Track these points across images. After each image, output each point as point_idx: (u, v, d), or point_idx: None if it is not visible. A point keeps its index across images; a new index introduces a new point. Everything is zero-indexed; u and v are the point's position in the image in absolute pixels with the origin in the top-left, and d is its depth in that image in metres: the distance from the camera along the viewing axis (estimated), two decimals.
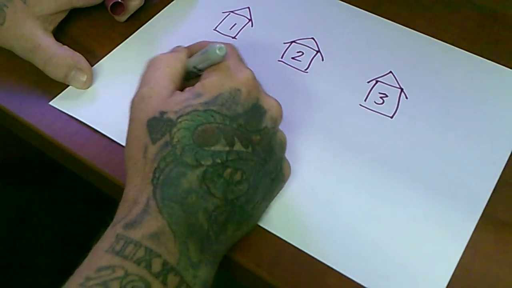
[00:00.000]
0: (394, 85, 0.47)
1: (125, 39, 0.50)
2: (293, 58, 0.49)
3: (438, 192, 0.40)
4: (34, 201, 0.57)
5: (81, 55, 0.47)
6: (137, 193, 0.33)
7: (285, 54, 0.49)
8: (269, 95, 0.37)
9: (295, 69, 0.48)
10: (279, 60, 0.49)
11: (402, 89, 0.47)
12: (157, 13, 0.53)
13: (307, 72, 0.48)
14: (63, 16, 0.49)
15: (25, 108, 0.45)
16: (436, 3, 0.54)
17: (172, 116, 0.33)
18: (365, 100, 0.46)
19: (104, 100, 0.46)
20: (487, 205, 0.40)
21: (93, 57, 0.49)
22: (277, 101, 0.37)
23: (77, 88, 0.46)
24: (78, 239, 0.56)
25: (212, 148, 0.32)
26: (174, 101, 0.34)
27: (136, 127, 0.34)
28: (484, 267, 0.37)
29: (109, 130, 0.44)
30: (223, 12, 0.53)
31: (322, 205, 0.39)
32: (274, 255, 0.37)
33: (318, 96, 0.46)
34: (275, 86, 0.47)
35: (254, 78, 0.36)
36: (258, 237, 0.38)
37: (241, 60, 0.38)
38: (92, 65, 0.48)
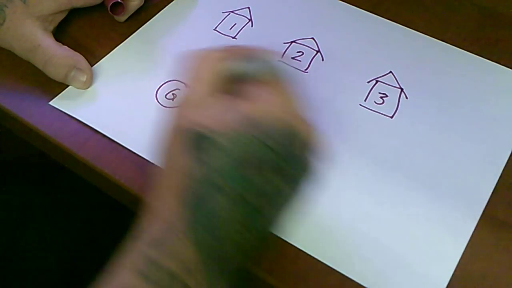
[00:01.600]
0: (394, 85, 0.47)
1: (125, 39, 0.50)
2: (293, 58, 0.49)
3: (438, 192, 0.40)
4: (34, 201, 0.57)
5: (81, 55, 0.47)
6: (165, 209, 0.32)
7: (285, 54, 0.49)
8: (305, 119, 0.35)
9: (295, 69, 0.48)
10: (279, 60, 0.49)
11: (402, 89, 0.47)
12: (157, 13, 0.53)
13: (307, 72, 0.48)
14: (63, 16, 0.49)
15: (25, 108, 0.45)
16: (436, 3, 0.54)
17: (213, 134, 0.31)
18: (365, 100, 0.46)
19: (104, 100, 0.46)
20: (487, 205, 0.40)
21: (93, 57, 0.49)
22: (313, 126, 0.35)
23: (77, 88, 0.46)
24: (78, 239, 0.56)
25: (248, 176, 0.31)
26: (219, 118, 0.32)
27: (175, 136, 0.33)
28: (484, 267, 0.37)
29: (109, 130, 0.44)
30: (223, 12, 0.53)
31: (322, 205, 0.39)
32: (274, 255, 0.37)
33: (318, 96, 0.46)
34: None
35: (292, 102, 0.34)
36: None
37: (286, 80, 0.36)
38: (92, 65, 0.48)
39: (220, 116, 0.32)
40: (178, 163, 0.32)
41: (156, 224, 0.31)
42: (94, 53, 0.49)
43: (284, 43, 0.50)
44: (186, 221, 0.31)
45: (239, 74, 0.36)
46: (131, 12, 0.51)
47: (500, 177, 0.41)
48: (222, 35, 0.51)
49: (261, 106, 0.33)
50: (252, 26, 0.52)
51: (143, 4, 0.52)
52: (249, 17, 0.52)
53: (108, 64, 0.49)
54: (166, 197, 0.32)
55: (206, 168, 0.31)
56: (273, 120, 0.32)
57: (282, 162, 0.32)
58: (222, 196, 0.30)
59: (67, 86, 0.47)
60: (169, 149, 0.33)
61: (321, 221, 0.39)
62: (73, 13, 0.51)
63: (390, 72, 0.48)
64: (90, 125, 0.44)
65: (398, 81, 0.47)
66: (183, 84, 0.47)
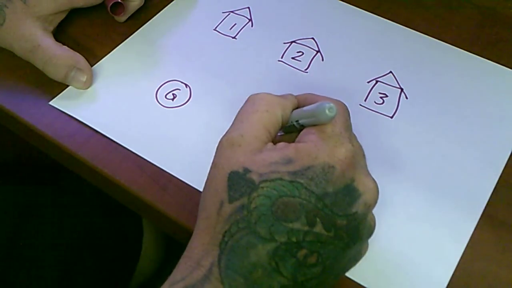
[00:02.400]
0: (394, 85, 0.47)
1: (125, 39, 0.51)
2: (293, 58, 0.49)
3: (438, 192, 0.40)
4: (34, 201, 0.57)
5: (80, 55, 0.47)
6: (202, 253, 0.30)
7: (285, 54, 0.49)
8: (368, 176, 0.33)
9: (295, 69, 0.48)
10: (279, 60, 0.49)
11: (402, 89, 0.47)
12: (157, 13, 0.53)
13: (307, 72, 0.48)
14: (63, 16, 0.49)
15: (25, 108, 0.45)
16: (436, 3, 0.54)
17: (255, 177, 0.30)
18: (365, 100, 0.46)
19: (104, 100, 0.46)
20: (487, 205, 0.40)
21: (93, 57, 0.49)
22: (375, 184, 0.32)
23: (77, 88, 0.46)
24: (78, 239, 0.56)
25: (290, 224, 0.29)
26: (262, 160, 0.31)
27: (217, 177, 0.32)
28: (484, 267, 0.37)
29: (109, 130, 0.44)
30: (223, 12, 0.53)
31: None
32: None
33: None
34: (275, 86, 0.47)
35: (355, 155, 0.32)
36: None
37: (347, 127, 0.34)
38: (92, 65, 0.48)
39: (264, 160, 0.31)
40: (216, 206, 0.31)
41: (192, 269, 0.30)
42: (94, 53, 0.49)
43: (284, 43, 0.50)
44: (222, 268, 0.29)
45: (295, 125, 0.35)
46: (131, 12, 0.51)
47: (500, 177, 0.41)
48: (222, 35, 0.51)
49: (300, 146, 0.31)
50: (252, 26, 0.52)
51: (143, 4, 0.52)
52: (249, 17, 0.52)
53: (108, 64, 0.49)
54: (204, 240, 0.31)
55: (247, 214, 0.30)
56: (311, 160, 0.30)
57: (319, 203, 0.30)
58: (259, 241, 0.29)
59: (67, 86, 0.47)
60: (210, 189, 0.32)
61: None
62: (73, 13, 0.51)
63: (390, 72, 0.48)
64: (90, 125, 0.44)
65: (398, 81, 0.47)
66: (183, 85, 0.47)
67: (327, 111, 0.31)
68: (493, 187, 0.41)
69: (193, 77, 0.48)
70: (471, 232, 0.38)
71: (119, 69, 0.48)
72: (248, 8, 0.53)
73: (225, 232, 0.30)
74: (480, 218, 0.39)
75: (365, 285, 0.36)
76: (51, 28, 0.48)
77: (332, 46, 0.50)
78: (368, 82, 0.47)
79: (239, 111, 0.35)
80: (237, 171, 0.31)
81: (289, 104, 0.35)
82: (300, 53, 0.49)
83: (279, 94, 0.46)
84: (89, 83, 0.47)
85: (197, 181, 0.41)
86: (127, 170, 0.42)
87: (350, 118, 0.35)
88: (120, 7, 0.50)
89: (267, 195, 0.30)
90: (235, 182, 0.31)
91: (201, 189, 0.40)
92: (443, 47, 0.50)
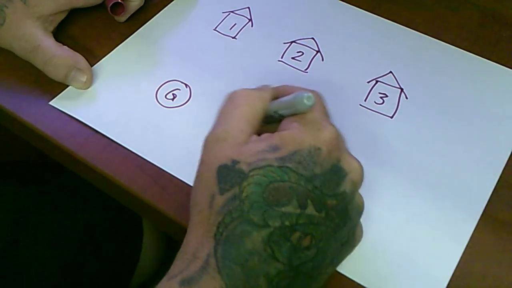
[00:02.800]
0: (394, 85, 0.47)
1: (125, 39, 0.51)
2: (293, 58, 0.49)
3: (438, 192, 0.40)
4: (34, 201, 0.57)
5: (80, 56, 0.47)
6: (197, 246, 0.31)
7: (285, 54, 0.49)
8: (352, 156, 0.33)
9: (295, 69, 0.48)
10: (279, 60, 0.49)
11: (402, 89, 0.47)
12: (157, 13, 0.53)
13: (307, 72, 0.48)
14: (63, 16, 0.49)
15: (25, 108, 0.45)
16: (436, 3, 0.54)
17: (244, 167, 0.31)
18: (365, 100, 0.46)
19: (104, 100, 0.46)
20: (487, 205, 0.40)
21: (93, 57, 0.49)
22: (359, 163, 0.33)
23: (77, 88, 0.46)
24: (78, 239, 0.56)
25: (282, 208, 0.30)
26: (249, 151, 0.32)
27: (206, 172, 0.32)
28: (484, 267, 0.37)
29: (109, 130, 0.44)
30: (223, 12, 0.53)
31: None
32: None
33: None
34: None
35: (338, 136, 0.33)
36: None
37: (326, 113, 0.35)
38: (92, 65, 0.48)
39: (251, 150, 0.32)
40: (208, 199, 0.31)
41: (190, 262, 0.30)
42: (94, 53, 0.49)
43: (284, 43, 0.50)
44: (218, 258, 0.30)
45: (275, 115, 0.35)
46: (131, 12, 0.51)
47: (500, 177, 0.41)
48: (222, 35, 0.51)
49: (285, 133, 0.32)
50: (252, 26, 0.52)
51: (143, 4, 0.52)
52: (249, 17, 0.52)
53: (108, 64, 0.49)
54: (199, 233, 0.31)
55: (240, 203, 0.30)
56: (296, 144, 0.31)
57: (309, 185, 0.30)
58: (253, 229, 0.30)
59: (67, 86, 0.47)
60: (202, 183, 0.33)
61: None
62: (73, 13, 0.51)
63: (390, 72, 0.48)
64: (90, 125, 0.44)
65: (398, 81, 0.47)
66: (183, 85, 0.47)
67: (305, 101, 0.32)
68: (493, 187, 0.41)
69: (193, 77, 0.48)
70: (471, 232, 0.38)
71: (119, 69, 0.48)
72: (248, 8, 0.53)
73: (219, 223, 0.30)
74: (480, 218, 0.39)
75: (365, 285, 0.36)
76: (51, 28, 0.48)
77: (332, 46, 0.50)
78: (368, 82, 0.47)
79: (220, 110, 0.36)
80: (225, 164, 0.31)
81: (267, 96, 0.36)
82: (300, 53, 0.49)
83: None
84: (89, 83, 0.47)
85: None
86: (127, 170, 0.42)
87: (325, 104, 0.36)
88: (120, 7, 0.50)
89: (258, 183, 0.30)
90: (225, 174, 0.31)
91: None
92: (443, 47, 0.50)
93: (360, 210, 0.34)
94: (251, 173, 0.30)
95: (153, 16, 0.52)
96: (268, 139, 0.32)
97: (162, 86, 0.47)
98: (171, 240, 0.67)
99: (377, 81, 0.47)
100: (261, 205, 0.30)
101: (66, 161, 0.45)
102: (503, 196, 0.40)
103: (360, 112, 0.45)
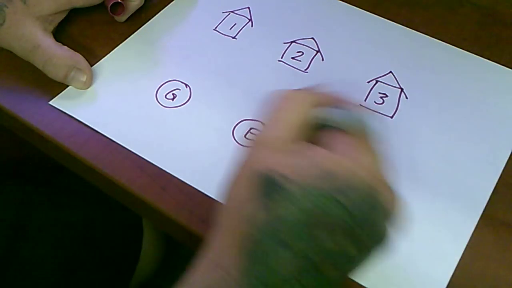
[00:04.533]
0: (394, 85, 0.47)
1: (125, 39, 0.51)
2: (293, 58, 0.49)
3: (438, 192, 0.40)
4: (34, 201, 0.57)
5: (80, 55, 0.47)
6: (222, 254, 0.30)
7: (285, 54, 0.49)
8: (390, 186, 0.32)
9: (295, 69, 0.48)
10: (279, 60, 0.49)
11: (402, 89, 0.47)
12: (157, 13, 0.53)
13: (307, 72, 0.48)
14: (63, 16, 0.49)
15: (25, 108, 0.45)
16: (436, 3, 0.54)
17: (287, 184, 0.29)
18: (365, 100, 0.46)
19: (104, 100, 0.46)
20: (487, 205, 0.40)
21: (93, 57, 0.49)
22: (397, 195, 0.32)
23: (77, 88, 0.46)
24: (78, 239, 0.56)
25: (318, 236, 0.28)
26: (296, 167, 0.30)
27: (245, 176, 0.31)
28: (484, 267, 0.37)
29: (109, 130, 0.44)
30: (223, 12, 0.53)
31: None
32: None
33: None
34: (275, 86, 0.47)
35: (379, 166, 0.32)
36: None
37: (370, 138, 0.33)
38: (92, 65, 0.48)
39: (298, 165, 0.30)
40: (243, 206, 0.30)
41: (211, 270, 0.30)
42: (94, 53, 0.49)
43: (284, 43, 0.50)
44: (242, 272, 0.28)
45: (324, 121, 0.33)
46: (131, 12, 0.51)
47: (500, 177, 0.41)
48: (222, 35, 0.51)
49: (343, 161, 0.30)
50: (252, 26, 0.52)
51: (143, 4, 0.52)
52: (249, 17, 0.52)
53: (108, 64, 0.49)
54: (225, 240, 0.30)
55: (272, 218, 0.28)
56: (354, 180, 0.29)
57: (357, 227, 0.29)
58: (285, 251, 0.28)
59: (67, 86, 0.47)
60: (236, 188, 0.31)
61: None
62: (73, 13, 0.51)
63: (390, 72, 0.48)
64: (90, 125, 0.44)
65: (398, 81, 0.47)
66: (183, 85, 0.47)
67: (367, 121, 0.30)
68: (493, 187, 0.41)
69: (193, 77, 0.48)
70: (471, 232, 0.38)
71: (119, 69, 0.48)
72: (248, 8, 0.53)
73: (249, 236, 0.29)
74: (480, 218, 0.39)
75: (365, 285, 0.36)
76: (51, 28, 0.48)
77: (332, 46, 0.50)
78: (368, 82, 0.47)
79: (270, 110, 0.33)
80: (266, 173, 0.30)
81: (316, 100, 0.34)
82: (300, 53, 0.49)
83: None
84: (89, 83, 0.47)
85: (197, 181, 0.41)
86: (127, 170, 0.42)
87: (373, 129, 0.34)
88: (120, 7, 0.50)
89: (298, 205, 0.28)
90: (265, 185, 0.29)
91: (201, 189, 0.40)
92: (443, 47, 0.50)
93: (387, 240, 0.32)
94: (294, 193, 0.29)
95: (153, 16, 0.52)
96: (316, 157, 0.30)
97: (162, 86, 0.47)
98: (171, 240, 0.67)
99: (377, 81, 0.47)
100: (296, 227, 0.28)
101: (66, 161, 0.45)
102: (503, 196, 0.40)
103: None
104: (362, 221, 0.29)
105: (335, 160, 0.30)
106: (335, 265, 0.29)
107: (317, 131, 0.33)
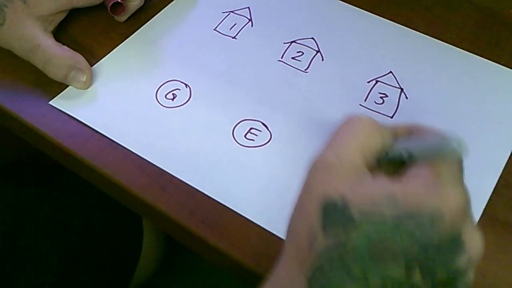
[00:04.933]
0: (394, 85, 0.47)
1: (125, 39, 0.51)
2: (293, 58, 0.49)
3: None
4: (34, 201, 0.57)
5: (80, 55, 0.47)
6: (289, 284, 0.29)
7: (285, 54, 0.49)
8: (476, 229, 0.29)
9: (295, 69, 0.48)
10: (279, 60, 0.49)
11: (402, 89, 0.47)
12: (157, 13, 0.53)
13: (307, 72, 0.48)
14: (63, 16, 0.49)
15: (25, 108, 0.45)
16: (436, 3, 0.54)
17: (355, 214, 0.28)
18: (365, 100, 0.46)
19: (104, 100, 0.46)
20: (487, 205, 0.40)
21: (93, 57, 0.49)
22: (482, 240, 0.29)
23: (77, 88, 0.46)
24: (78, 239, 0.56)
25: (388, 270, 0.27)
26: (363, 194, 0.28)
27: (310, 202, 0.29)
28: (484, 267, 0.37)
29: (109, 130, 0.44)
30: (223, 12, 0.53)
31: None
32: (273, 255, 0.37)
33: (318, 96, 0.46)
34: (275, 86, 0.47)
35: (466, 204, 0.29)
36: (258, 237, 0.38)
37: (461, 169, 0.31)
38: (92, 65, 0.48)
39: (366, 195, 0.28)
40: (312, 236, 0.29)
41: None
42: (94, 53, 0.49)
43: (284, 43, 0.50)
44: None
45: (404, 154, 0.31)
46: (131, 12, 0.51)
47: (500, 177, 0.41)
48: (222, 35, 0.51)
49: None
50: (252, 26, 0.52)
51: (143, 4, 0.52)
52: (249, 17, 0.53)
53: (108, 64, 0.49)
54: (292, 269, 0.29)
55: (343, 252, 0.27)
56: (421, 206, 0.28)
57: (435, 268, 0.27)
58: (350, 279, 0.27)
59: (67, 86, 0.47)
60: (303, 214, 0.30)
61: None
62: (73, 13, 0.51)
63: (390, 72, 0.48)
64: (90, 125, 0.44)
65: (398, 81, 0.47)
66: (183, 85, 0.47)
67: (456, 146, 0.28)
68: (493, 187, 0.41)
69: (193, 77, 0.48)
70: None
71: (119, 69, 0.48)
72: (248, 8, 0.53)
73: (317, 268, 0.28)
74: (480, 218, 0.39)
75: None
76: (51, 28, 0.48)
77: (332, 46, 0.50)
78: (368, 82, 0.47)
79: (336, 132, 0.32)
80: (333, 201, 0.28)
81: (389, 132, 0.32)
82: (300, 53, 0.49)
83: (279, 95, 0.46)
84: (89, 83, 0.47)
85: (197, 181, 0.41)
86: (127, 170, 0.42)
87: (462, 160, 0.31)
88: (120, 7, 0.50)
89: (367, 236, 0.27)
90: (331, 213, 0.28)
91: (201, 189, 0.40)
92: (443, 47, 0.50)
93: (469, 286, 0.30)
94: (362, 224, 0.27)
95: (153, 16, 0.52)
96: (388, 186, 0.29)
97: (162, 86, 0.47)
98: (171, 240, 0.67)
99: (377, 81, 0.47)
100: (366, 261, 0.27)
101: (66, 161, 0.45)
102: (503, 196, 0.40)
103: (360, 112, 0.45)
104: (428, 246, 0.27)
105: (400, 185, 0.29)
106: None
107: (396, 167, 0.31)
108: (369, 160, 0.31)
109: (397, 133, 0.33)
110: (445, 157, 0.29)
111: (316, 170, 0.30)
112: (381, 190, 0.28)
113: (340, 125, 0.32)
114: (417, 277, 0.27)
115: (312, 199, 0.29)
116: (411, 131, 0.33)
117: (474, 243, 0.29)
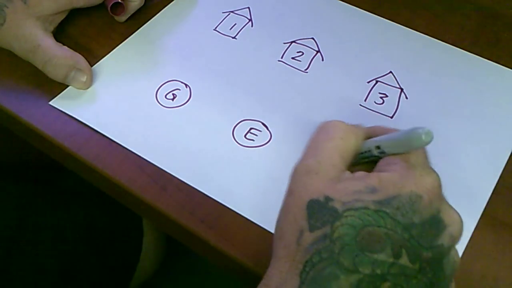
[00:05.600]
0: (394, 85, 0.47)
1: (125, 39, 0.51)
2: (293, 58, 0.49)
3: None
4: (34, 201, 0.57)
5: (80, 56, 0.47)
6: (281, 281, 0.29)
7: (285, 54, 0.49)
8: (452, 208, 0.31)
9: (295, 69, 0.48)
10: (279, 60, 0.49)
11: (402, 89, 0.47)
12: (157, 13, 0.53)
13: (307, 72, 0.48)
14: (63, 16, 0.49)
15: (25, 108, 0.45)
16: (436, 3, 0.54)
17: (338, 206, 0.29)
18: (365, 100, 0.46)
19: (104, 100, 0.46)
20: (487, 205, 0.40)
21: (93, 57, 0.49)
22: (460, 216, 0.31)
23: (77, 88, 0.46)
24: (78, 239, 0.56)
25: (375, 255, 0.28)
26: (344, 189, 0.30)
27: (295, 204, 0.31)
28: (484, 267, 0.37)
29: (109, 130, 0.44)
30: (223, 12, 0.53)
31: None
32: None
33: (318, 96, 0.46)
34: (275, 86, 0.47)
35: (440, 185, 0.31)
36: (258, 237, 0.38)
37: (427, 157, 0.33)
38: (92, 65, 0.48)
39: (346, 188, 0.30)
40: (299, 233, 0.30)
41: None
42: (94, 53, 0.49)
43: (284, 43, 0.50)
44: None
45: (372, 152, 0.33)
46: (131, 13, 0.51)
47: (500, 177, 0.41)
48: (222, 35, 0.51)
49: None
50: (252, 26, 0.52)
51: (143, 4, 0.52)
52: (249, 17, 0.53)
53: (108, 64, 0.49)
54: (284, 268, 0.30)
55: (330, 244, 0.28)
56: (399, 191, 0.29)
57: (420, 247, 0.28)
58: (346, 277, 0.28)
59: (67, 86, 0.47)
60: (289, 215, 0.31)
61: None
62: (73, 13, 0.51)
63: (390, 72, 0.48)
64: (90, 125, 0.44)
65: (398, 81, 0.47)
66: (183, 85, 0.47)
67: (423, 137, 0.30)
68: (493, 187, 0.41)
69: (193, 77, 0.48)
70: (471, 232, 0.38)
71: (119, 69, 0.48)
72: (248, 8, 0.53)
73: (306, 261, 0.29)
74: (480, 218, 0.39)
75: None
76: (51, 28, 0.48)
77: (332, 46, 0.50)
78: (368, 82, 0.47)
79: (312, 139, 0.34)
80: (317, 199, 0.30)
81: (361, 133, 0.34)
82: (300, 53, 0.49)
83: (279, 95, 0.46)
84: (89, 83, 0.47)
85: (197, 181, 0.41)
86: (127, 170, 0.42)
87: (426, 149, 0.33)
88: (120, 7, 0.50)
89: (351, 225, 0.28)
90: (316, 210, 0.30)
91: (201, 189, 0.40)
92: (443, 47, 0.50)
93: (455, 265, 0.31)
94: (345, 214, 0.29)
95: (153, 16, 0.52)
96: (365, 178, 0.30)
97: (162, 86, 0.47)
98: (171, 240, 0.67)
99: (377, 81, 0.47)
100: (353, 249, 0.28)
101: (66, 161, 0.45)
102: (503, 196, 0.40)
103: (360, 112, 0.45)
104: (411, 227, 0.29)
105: (377, 175, 0.30)
106: (393, 281, 0.28)
107: (369, 165, 0.33)
108: (347, 161, 0.33)
109: (369, 134, 0.35)
110: (412, 147, 0.31)
111: (299, 174, 0.32)
112: (359, 182, 0.30)
113: (315, 131, 0.34)
114: (404, 258, 0.28)
115: (296, 200, 0.31)
116: (383, 133, 0.34)
117: (453, 220, 0.30)
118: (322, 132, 0.34)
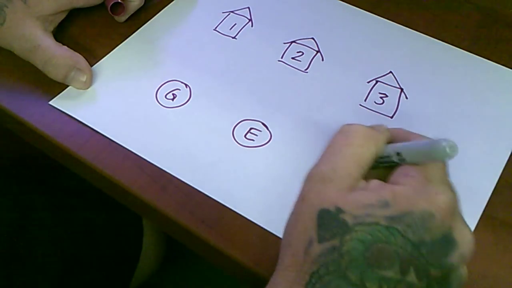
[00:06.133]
0: (394, 85, 0.47)
1: (125, 39, 0.51)
2: (293, 58, 0.49)
3: None
4: (34, 201, 0.57)
5: (80, 56, 0.47)
6: None
7: (285, 54, 0.49)
8: (466, 225, 0.30)
9: (295, 69, 0.48)
10: (279, 60, 0.49)
11: (402, 89, 0.47)
12: (157, 13, 0.53)
13: (307, 72, 0.48)
14: (63, 16, 0.49)
15: (25, 108, 0.45)
16: (436, 3, 0.54)
17: (348, 219, 0.29)
18: (365, 100, 0.46)
19: (104, 100, 0.46)
20: (487, 205, 0.40)
21: (93, 57, 0.49)
22: (472, 235, 0.30)
23: (77, 88, 0.46)
24: (79, 239, 0.57)
25: (383, 272, 0.28)
26: (356, 201, 0.29)
27: (305, 212, 0.30)
28: (484, 267, 0.37)
29: (109, 130, 0.44)
30: (223, 12, 0.53)
31: None
32: (273, 255, 0.37)
33: (318, 96, 0.46)
34: (275, 86, 0.47)
35: (455, 202, 0.30)
36: (258, 237, 0.38)
37: (447, 171, 0.32)
38: (92, 65, 0.48)
39: (358, 201, 0.29)
40: (307, 243, 0.29)
41: None
42: (94, 53, 0.49)
43: (284, 43, 0.50)
44: None
45: (391, 159, 0.32)
46: (131, 12, 0.51)
47: (500, 177, 0.41)
48: (222, 35, 0.51)
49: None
50: (252, 26, 0.52)
51: (143, 4, 0.52)
52: (249, 17, 0.53)
53: (108, 64, 0.49)
54: (290, 277, 0.29)
55: (338, 257, 0.28)
56: (411, 207, 0.29)
57: (429, 266, 0.28)
58: (346, 283, 0.28)
59: (67, 86, 0.47)
60: (299, 223, 0.31)
61: None
62: (73, 13, 0.51)
63: (390, 72, 0.48)
64: (90, 125, 0.44)
65: (398, 81, 0.47)
66: (183, 85, 0.47)
67: (447, 149, 0.29)
68: (493, 187, 0.41)
69: (193, 77, 0.48)
70: None
71: (119, 69, 0.48)
72: (248, 8, 0.53)
73: (313, 273, 0.28)
74: (480, 218, 0.39)
75: None
76: (51, 28, 0.48)
77: (332, 46, 0.50)
78: (368, 82, 0.47)
79: (330, 143, 0.33)
80: (328, 209, 0.29)
81: (382, 139, 0.33)
82: (300, 53, 0.49)
83: (279, 95, 0.46)
84: (89, 83, 0.47)
85: (197, 181, 0.41)
86: (127, 170, 0.42)
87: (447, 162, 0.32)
88: (120, 7, 0.50)
89: (361, 240, 0.28)
90: (326, 221, 0.29)
91: (201, 189, 0.40)
92: (443, 47, 0.50)
93: (462, 280, 0.31)
94: (355, 228, 0.28)
95: (153, 16, 0.52)
96: (378, 191, 0.30)
97: (162, 86, 0.47)
98: (171, 240, 0.67)
99: (377, 81, 0.47)
100: (361, 264, 0.28)
101: (66, 161, 0.45)
102: (503, 196, 0.40)
103: (360, 112, 0.45)
104: (421, 245, 0.28)
105: (390, 189, 0.30)
106: None
107: (387, 170, 0.33)
108: (364, 169, 0.32)
109: (392, 138, 0.34)
110: (434, 159, 0.30)
111: (313, 181, 0.31)
112: (372, 195, 0.30)
113: (334, 135, 0.33)
114: (412, 276, 0.28)
115: (308, 208, 0.30)
116: (405, 138, 0.34)
117: (465, 239, 0.30)
118: (341, 136, 0.33)
